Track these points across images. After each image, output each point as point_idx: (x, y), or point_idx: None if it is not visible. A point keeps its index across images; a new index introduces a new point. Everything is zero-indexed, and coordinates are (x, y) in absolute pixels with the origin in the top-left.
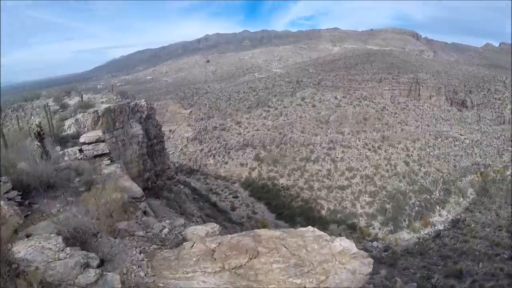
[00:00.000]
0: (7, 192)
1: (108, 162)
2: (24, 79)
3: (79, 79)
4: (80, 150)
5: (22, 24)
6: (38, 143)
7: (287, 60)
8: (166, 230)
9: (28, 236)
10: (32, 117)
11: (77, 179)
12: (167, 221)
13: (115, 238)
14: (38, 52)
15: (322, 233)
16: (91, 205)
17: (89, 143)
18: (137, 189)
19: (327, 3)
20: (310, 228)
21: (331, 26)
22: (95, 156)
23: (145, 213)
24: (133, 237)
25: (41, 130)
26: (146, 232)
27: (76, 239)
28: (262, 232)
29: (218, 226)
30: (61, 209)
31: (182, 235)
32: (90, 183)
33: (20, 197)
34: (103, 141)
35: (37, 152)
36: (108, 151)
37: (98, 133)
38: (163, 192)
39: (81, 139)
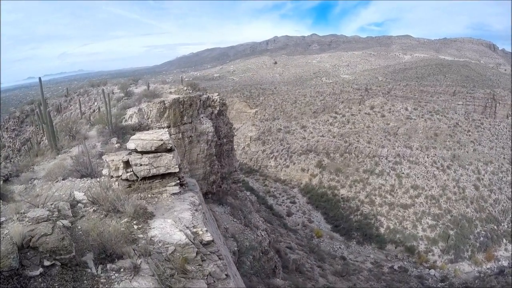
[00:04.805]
0: None
1: (176, 188)
2: (100, 69)
3: (150, 72)
4: (127, 163)
5: (101, 18)
6: None
7: (355, 66)
8: None
9: None
10: (95, 103)
11: None
12: None
13: None
14: (115, 45)
15: None
16: None
17: (142, 152)
18: None
19: (399, 9)
20: None
21: (402, 33)
22: (152, 177)
23: None
24: None
25: None
26: None
27: None
28: None
29: None
30: None
31: None
32: None
33: None
34: (170, 150)
35: None
36: (178, 169)
37: (161, 135)
38: (228, 198)
39: (130, 144)
